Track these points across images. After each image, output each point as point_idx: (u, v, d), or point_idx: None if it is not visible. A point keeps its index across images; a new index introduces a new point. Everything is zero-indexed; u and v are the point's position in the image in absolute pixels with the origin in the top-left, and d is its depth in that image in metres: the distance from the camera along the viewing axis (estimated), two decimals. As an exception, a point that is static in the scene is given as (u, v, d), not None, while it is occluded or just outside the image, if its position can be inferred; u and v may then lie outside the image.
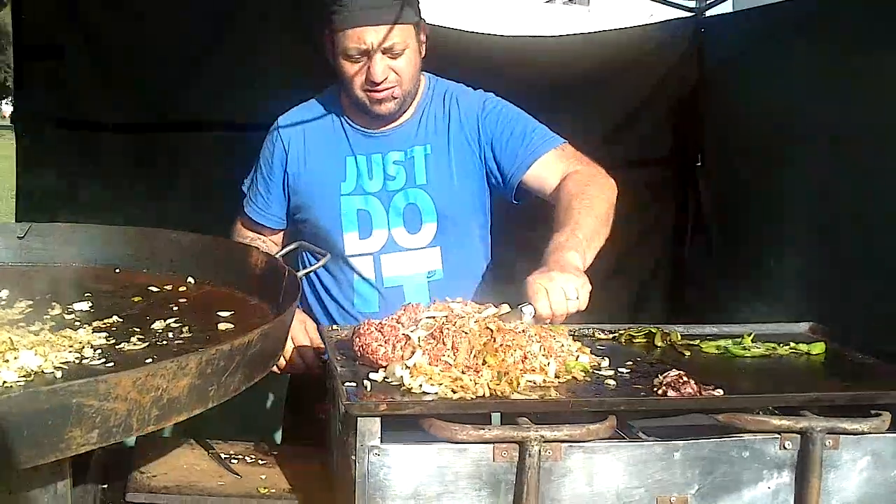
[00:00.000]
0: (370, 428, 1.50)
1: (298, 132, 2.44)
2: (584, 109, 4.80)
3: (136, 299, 1.91)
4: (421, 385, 1.61)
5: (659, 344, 2.01)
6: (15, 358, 1.43)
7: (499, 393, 1.60)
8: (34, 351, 1.48)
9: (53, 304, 1.84)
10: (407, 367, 1.65)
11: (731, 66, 4.82)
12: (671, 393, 1.62)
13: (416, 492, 1.51)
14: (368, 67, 2.24)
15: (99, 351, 1.55)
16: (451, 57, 4.58)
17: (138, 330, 1.68)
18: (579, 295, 1.90)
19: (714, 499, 1.60)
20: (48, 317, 1.77)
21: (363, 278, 2.35)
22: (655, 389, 1.66)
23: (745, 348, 1.96)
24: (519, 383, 1.63)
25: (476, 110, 2.42)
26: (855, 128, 3.71)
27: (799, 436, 1.61)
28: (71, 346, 1.56)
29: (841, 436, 1.62)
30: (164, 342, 1.63)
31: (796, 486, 1.62)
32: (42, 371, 1.44)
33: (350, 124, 2.42)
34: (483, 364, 1.66)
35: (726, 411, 1.61)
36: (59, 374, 1.44)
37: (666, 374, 1.70)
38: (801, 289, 3.84)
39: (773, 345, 1.99)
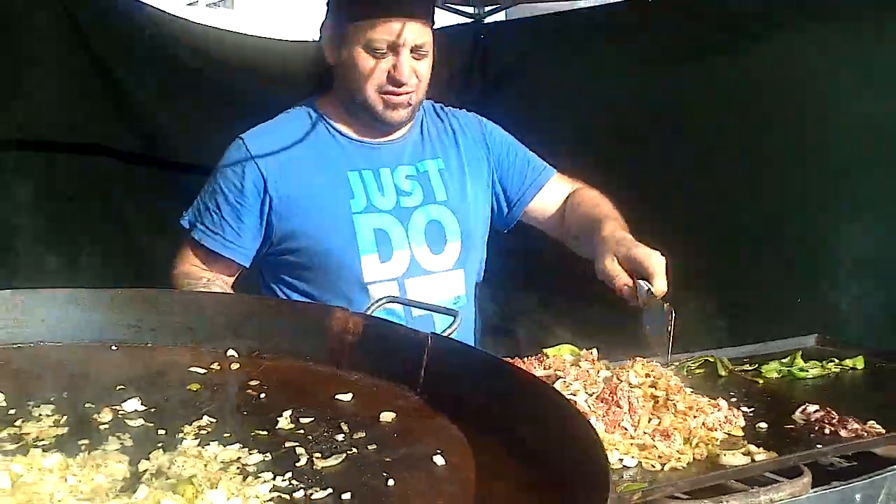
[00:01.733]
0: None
1: (271, 157, 2.06)
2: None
3: (192, 387, 1.46)
4: (620, 459, 1.41)
5: (722, 373, 1.96)
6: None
7: (704, 458, 1.45)
8: (223, 489, 1.06)
9: (87, 405, 1.36)
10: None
11: (514, 74, 4.94)
12: (842, 432, 1.58)
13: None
14: (394, 65, 2.00)
15: (288, 475, 1.14)
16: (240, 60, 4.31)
17: (265, 433, 1.28)
18: None
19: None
20: (106, 426, 1.30)
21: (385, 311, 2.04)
22: (820, 428, 1.60)
23: (802, 369, 1.98)
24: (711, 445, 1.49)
25: (478, 128, 2.25)
26: (633, 130, 3.99)
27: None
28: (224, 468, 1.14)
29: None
30: (349, 449, 1.23)
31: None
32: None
33: (342, 135, 2.13)
34: (667, 427, 1.49)
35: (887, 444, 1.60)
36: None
37: (804, 409, 1.66)
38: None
39: (817, 362, 2.02)
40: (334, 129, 2.12)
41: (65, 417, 1.32)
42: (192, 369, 1.52)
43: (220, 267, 2.09)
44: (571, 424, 1.09)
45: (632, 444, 1.44)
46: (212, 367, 1.54)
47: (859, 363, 2.05)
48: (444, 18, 5.15)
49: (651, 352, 1.76)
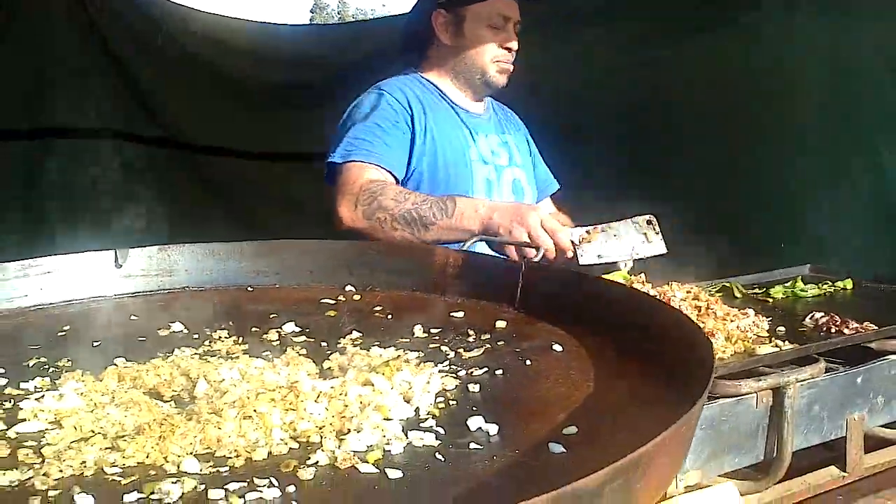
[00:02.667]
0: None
1: (413, 98, 2.57)
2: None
3: (330, 314, 1.80)
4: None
5: (738, 295, 2.34)
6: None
7: (742, 352, 1.82)
8: (407, 370, 1.39)
9: (253, 329, 1.68)
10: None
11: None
12: (846, 331, 1.96)
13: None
14: (505, 38, 2.56)
15: (446, 363, 1.48)
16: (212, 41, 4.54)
17: (407, 340, 1.62)
18: None
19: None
20: (276, 342, 1.63)
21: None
22: (827, 329, 1.98)
23: (803, 290, 2.36)
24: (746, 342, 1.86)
25: (520, 123, 2.69)
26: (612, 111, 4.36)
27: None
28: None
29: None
30: (483, 345, 1.56)
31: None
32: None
33: (452, 104, 2.62)
34: (710, 328, 1.86)
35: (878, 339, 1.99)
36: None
37: (812, 316, 2.04)
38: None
39: (814, 285, 2.41)
40: (447, 97, 2.60)
41: (240, 338, 1.64)
42: (322, 300, 1.86)
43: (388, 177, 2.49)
44: (661, 313, 1.45)
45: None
46: (339, 298, 1.87)
47: (848, 284, 2.44)
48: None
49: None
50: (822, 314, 2.02)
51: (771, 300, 2.31)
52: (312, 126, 3.78)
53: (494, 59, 2.58)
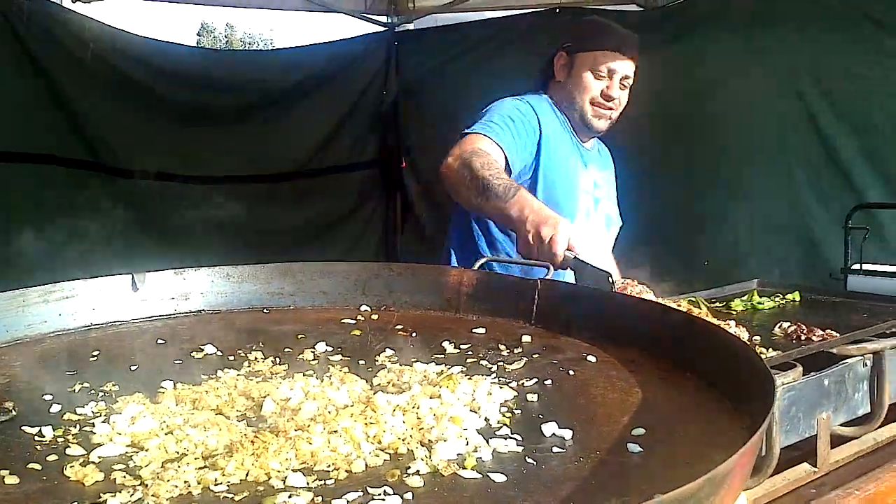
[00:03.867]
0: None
1: (543, 113, 2.82)
2: (300, 118, 5.02)
3: (356, 333, 1.86)
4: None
5: (703, 309, 2.52)
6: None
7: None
8: (466, 383, 1.48)
9: (286, 350, 1.73)
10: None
11: (425, 77, 5.42)
12: (814, 338, 2.16)
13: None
14: (608, 86, 2.78)
15: (492, 376, 1.58)
16: (177, 71, 4.56)
17: (442, 356, 1.70)
18: None
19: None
20: (315, 361, 1.69)
21: None
22: (797, 337, 2.17)
23: (760, 302, 2.56)
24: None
25: (610, 158, 3.08)
26: None
27: (873, 355, 2.26)
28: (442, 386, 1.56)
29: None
30: (520, 358, 1.64)
31: (871, 390, 2.26)
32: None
33: (571, 131, 2.88)
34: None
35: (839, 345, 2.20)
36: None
37: (780, 325, 2.23)
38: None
39: (767, 298, 2.62)
40: (568, 126, 2.88)
41: (277, 359, 1.69)
42: (343, 321, 1.92)
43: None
44: (675, 317, 1.59)
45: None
46: (358, 318, 1.94)
47: (797, 296, 2.66)
48: (360, 27, 5.59)
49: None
50: (790, 324, 2.21)
51: (733, 313, 2.50)
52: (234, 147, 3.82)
53: (593, 100, 2.83)
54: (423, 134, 5.52)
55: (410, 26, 5.64)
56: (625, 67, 2.84)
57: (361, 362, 1.67)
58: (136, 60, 4.44)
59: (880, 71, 3.77)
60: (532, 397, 1.46)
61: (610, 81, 2.84)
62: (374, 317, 1.95)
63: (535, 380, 1.53)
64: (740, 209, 3.90)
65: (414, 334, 1.84)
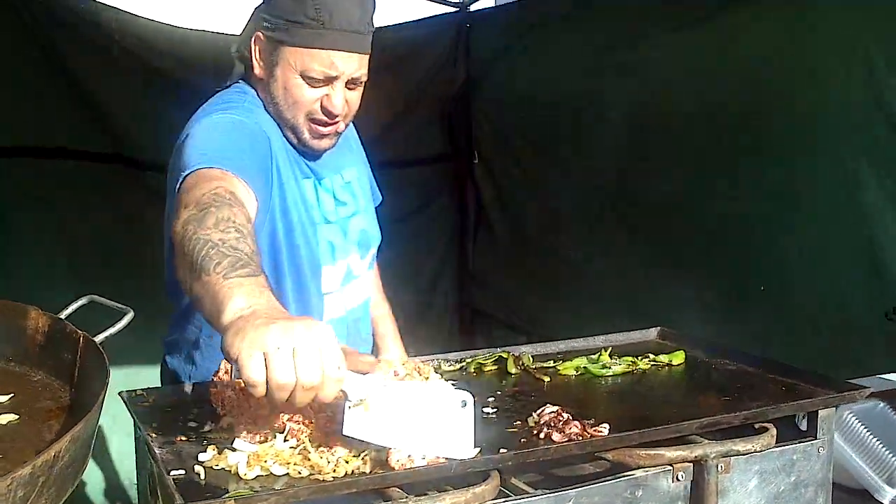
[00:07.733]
0: None
1: (270, 131, 1.90)
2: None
3: None
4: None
5: (512, 370, 1.81)
6: None
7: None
8: None
9: None
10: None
11: (498, 61, 4.77)
12: (556, 436, 1.42)
13: None
14: (326, 96, 1.86)
15: None
16: (165, 53, 4.22)
17: None
18: None
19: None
20: None
21: (333, 318, 1.99)
22: (536, 432, 1.44)
23: (605, 366, 1.80)
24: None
25: (354, 138, 2.21)
26: (633, 114, 3.76)
27: (692, 465, 1.46)
28: None
29: (732, 458, 1.49)
30: None
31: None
32: None
33: (288, 141, 1.94)
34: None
35: (615, 449, 1.43)
36: None
37: (541, 411, 1.50)
38: (597, 278, 3.87)
39: (630, 359, 1.84)
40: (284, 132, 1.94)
41: None
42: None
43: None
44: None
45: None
46: None
47: (677, 359, 1.85)
48: (428, 8, 5.02)
49: None
50: (556, 409, 1.48)
51: (548, 379, 1.76)
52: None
53: (310, 115, 1.88)
54: (499, 125, 4.86)
55: (483, 4, 5.01)
56: (351, 66, 1.86)
57: None
58: (163, 52, 4.21)
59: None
60: None
61: (332, 90, 1.86)
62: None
63: None
64: (791, 221, 2.97)
65: None
